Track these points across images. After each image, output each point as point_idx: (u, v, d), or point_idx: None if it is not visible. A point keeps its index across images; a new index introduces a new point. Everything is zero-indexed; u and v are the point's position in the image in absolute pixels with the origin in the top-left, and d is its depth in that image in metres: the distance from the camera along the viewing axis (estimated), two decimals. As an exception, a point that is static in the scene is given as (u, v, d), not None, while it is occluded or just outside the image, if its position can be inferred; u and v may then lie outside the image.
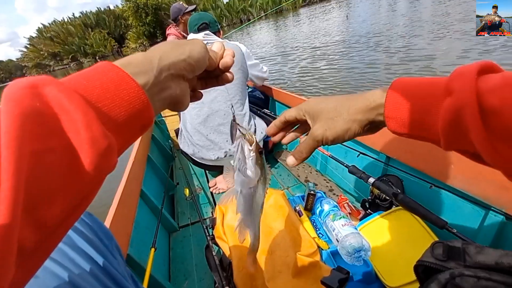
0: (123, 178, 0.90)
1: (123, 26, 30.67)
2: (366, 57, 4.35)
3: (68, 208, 0.18)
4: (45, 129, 0.17)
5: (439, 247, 0.48)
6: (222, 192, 1.30)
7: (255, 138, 0.38)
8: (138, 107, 0.22)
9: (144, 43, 28.70)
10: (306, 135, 0.39)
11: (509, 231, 0.61)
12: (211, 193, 1.34)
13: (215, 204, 1.25)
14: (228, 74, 0.35)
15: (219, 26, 1.46)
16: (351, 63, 4.31)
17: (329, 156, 1.03)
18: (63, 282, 0.32)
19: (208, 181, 1.44)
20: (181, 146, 1.40)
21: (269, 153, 1.49)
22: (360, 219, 0.86)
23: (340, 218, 0.72)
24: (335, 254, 0.68)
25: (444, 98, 0.26)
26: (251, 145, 0.37)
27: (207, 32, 1.38)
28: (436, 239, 0.65)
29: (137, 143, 1.35)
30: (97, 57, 28.64)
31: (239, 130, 0.38)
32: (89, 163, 0.18)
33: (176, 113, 2.00)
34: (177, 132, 1.57)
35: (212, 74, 0.35)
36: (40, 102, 0.17)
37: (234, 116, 0.41)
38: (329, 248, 0.70)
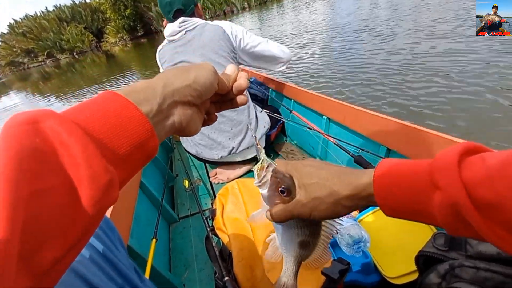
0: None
1: (101, 20, 29.35)
2: (348, 44, 4.41)
3: (68, 247, 0.17)
4: (45, 167, 0.16)
5: (440, 237, 0.48)
6: (222, 183, 1.30)
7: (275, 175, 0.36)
8: (142, 137, 0.21)
9: (124, 37, 27.61)
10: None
11: None
12: (211, 184, 1.34)
13: (214, 196, 1.25)
14: (242, 96, 0.34)
15: (194, 2, 1.28)
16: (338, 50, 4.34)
17: (335, 143, 1.01)
18: (68, 270, 0.32)
19: (207, 172, 1.44)
20: (184, 146, 1.39)
21: (269, 145, 1.48)
22: (360, 211, 0.86)
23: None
24: (334, 245, 0.68)
25: (432, 191, 0.25)
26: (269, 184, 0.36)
27: (183, 18, 1.24)
28: (435, 230, 0.65)
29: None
30: (74, 53, 27.39)
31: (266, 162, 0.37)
32: (89, 200, 0.17)
33: None
34: None
35: (226, 98, 0.33)
36: (40, 138, 0.16)
37: (256, 140, 0.40)
38: (328, 239, 0.70)
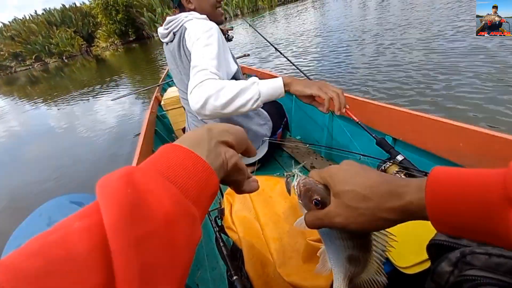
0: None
1: (91, 24, 29.29)
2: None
3: (178, 285, 0.19)
4: (140, 213, 0.18)
5: (450, 225, 0.48)
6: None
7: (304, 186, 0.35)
8: (206, 176, 0.24)
9: (116, 42, 27.61)
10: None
11: None
12: None
13: (222, 195, 1.26)
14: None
15: None
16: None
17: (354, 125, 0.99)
18: None
19: None
20: None
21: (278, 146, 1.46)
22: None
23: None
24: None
25: (508, 207, 0.22)
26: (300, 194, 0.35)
27: (169, 18, 1.12)
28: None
29: (141, 139, 1.35)
30: (63, 57, 27.26)
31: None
32: (185, 237, 0.20)
33: (179, 106, 1.99)
34: (184, 131, 1.56)
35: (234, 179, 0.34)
36: (131, 188, 0.18)
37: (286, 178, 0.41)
38: (338, 232, 0.70)
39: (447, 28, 4.03)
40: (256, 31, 1.66)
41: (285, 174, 0.39)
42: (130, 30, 27.54)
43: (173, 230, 0.19)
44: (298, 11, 13.75)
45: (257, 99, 0.86)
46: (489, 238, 0.24)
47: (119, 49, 23.71)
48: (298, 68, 1.40)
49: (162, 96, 2.38)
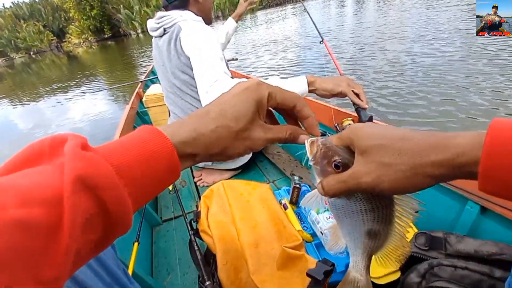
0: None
1: (63, 18, 27.56)
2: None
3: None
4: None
5: (421, 237, 0.50)
6: (207, 186, 1.28)
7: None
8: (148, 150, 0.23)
9: (89, 38, 26.16)
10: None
11: (484, 223, 0.63)
12: (196, 186, 1.32)
13: (199, 197, 1.23)
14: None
15: None
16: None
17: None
18: None
19: (193, 174, 1.41)
20: None
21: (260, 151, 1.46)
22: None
23: (324, 211, 0.72)
24: (319, 246, 0.68)
25: None
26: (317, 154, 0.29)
27: (160, 14, 1.12)
28: (416, 230, 0.67)
29: (117, 134, 1.29)
30: (31, 52, 25.46)
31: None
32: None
33: (161, 104, 1.94)
34: None
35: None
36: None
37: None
38: (313, 240, 0.70)
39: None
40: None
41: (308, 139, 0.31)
42: (105, 27, 26.03)
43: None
44: (278, 16, 14.09)
45: None
46: None
47: (93, 46, 22.53)
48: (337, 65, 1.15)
49: (144, 92, 2.31)
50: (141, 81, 2.70)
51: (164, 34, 1.14)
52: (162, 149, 0.23)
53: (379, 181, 0.25)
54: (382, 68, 3.64)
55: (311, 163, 0.30)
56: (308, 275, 0.47)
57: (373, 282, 0.58)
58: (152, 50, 1.30)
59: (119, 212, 0.20)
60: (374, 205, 0.29)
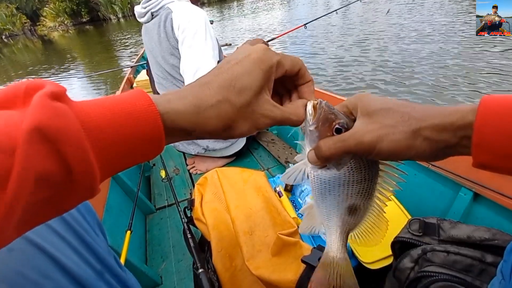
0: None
1: (36, 0, 25.49)
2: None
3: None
4: None
5: (415, 223, 0.50)
6: (200, 173, 1.27)
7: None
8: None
9: (66, 22, 24.22)
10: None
11: (477, 209, 0.64)
12: (189, 173, 1.31)
13: (193, 185, 1.22)
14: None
15: None
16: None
17: None
18: (39, 252, 0.29)
19: (186, 161, 1.40)
20: None
21: (253, 138, 1.45)
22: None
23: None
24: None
25: None
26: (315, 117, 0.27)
27: (145, 0, 1.10)
28: (410, 217, 0.68)
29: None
30: (3, 36, 23.75)
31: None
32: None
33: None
34: None
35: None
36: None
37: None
38: (308, 227, 0.70)
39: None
40: None
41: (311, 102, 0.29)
42: (83, 10, 24.19)
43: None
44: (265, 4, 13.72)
45: None
46: None
47: (70, 30, 21.16)
48: None
49: (135, 78, 2.24)
50: (131, 66, 2.62)
51: (152, 18, 1.12)
52: (144, 113, 0.20)
53: (379, 140, 0.24)
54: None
55: (310, 127, 0.27)
56: (303, 261, 0.47)
57: (366, 267, 0.59)
58: (137, 35, 1.26)
59: (82, 173, 0.17)
60: (362, 176, 0.29)
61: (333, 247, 0.33)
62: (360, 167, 0.28)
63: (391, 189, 0.30)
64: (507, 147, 0.20)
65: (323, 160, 0.27)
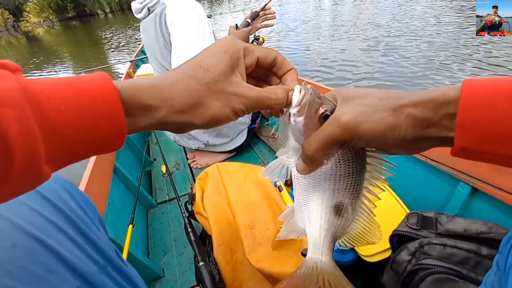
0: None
1: None
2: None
3: None
4: None
5: (413, 216, 0.51)
6: (201, 168, 1.28)
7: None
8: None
9: (51, 17, 23.54)
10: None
11: (475, 203, 0.65)
12: (190, 168, 1.31)
13: (194, 180, 1.23)
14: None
15: None
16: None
17: None
18: (40, 246, 0.29)
19: (186, 155, 1.40)
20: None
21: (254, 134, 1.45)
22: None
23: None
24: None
25: None
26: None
27: None
28: (408, 211, 0.69)
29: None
30: None
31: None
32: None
33: None
34: None
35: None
36: None
37: None
38: (307, 221, 0.71)
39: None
40: None
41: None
42: (68, 5, 23.36)
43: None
44: None
45: None
46: None
47: (55, 26, 20.58)
48: None
49: (134, 72, 2.23)
50: (130, 61, 2.60)
51: (149, 14, 1.11)
52: (99, 85, 0.19)
53: (360, 121, 0.23)
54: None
55: (293, 111, 0.26)
56: (303, 254, 0.48)
57: (364, 260, 0.60)
58: (129, 30, 1.25)
59: (21, 143, 0.15)
60: (350, 169, 0.27)
61: (317, 252, 0.29)
62: (347, 159, 0.27)
63: (380, 185, 0.28)
64: (496, 126, 0.19)
65: (312, 162, 0.26)
